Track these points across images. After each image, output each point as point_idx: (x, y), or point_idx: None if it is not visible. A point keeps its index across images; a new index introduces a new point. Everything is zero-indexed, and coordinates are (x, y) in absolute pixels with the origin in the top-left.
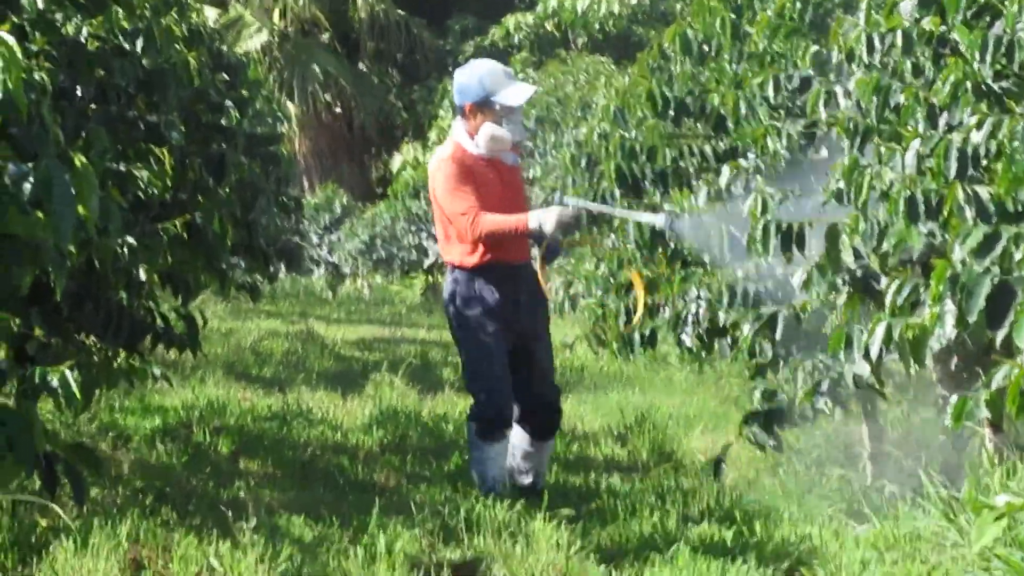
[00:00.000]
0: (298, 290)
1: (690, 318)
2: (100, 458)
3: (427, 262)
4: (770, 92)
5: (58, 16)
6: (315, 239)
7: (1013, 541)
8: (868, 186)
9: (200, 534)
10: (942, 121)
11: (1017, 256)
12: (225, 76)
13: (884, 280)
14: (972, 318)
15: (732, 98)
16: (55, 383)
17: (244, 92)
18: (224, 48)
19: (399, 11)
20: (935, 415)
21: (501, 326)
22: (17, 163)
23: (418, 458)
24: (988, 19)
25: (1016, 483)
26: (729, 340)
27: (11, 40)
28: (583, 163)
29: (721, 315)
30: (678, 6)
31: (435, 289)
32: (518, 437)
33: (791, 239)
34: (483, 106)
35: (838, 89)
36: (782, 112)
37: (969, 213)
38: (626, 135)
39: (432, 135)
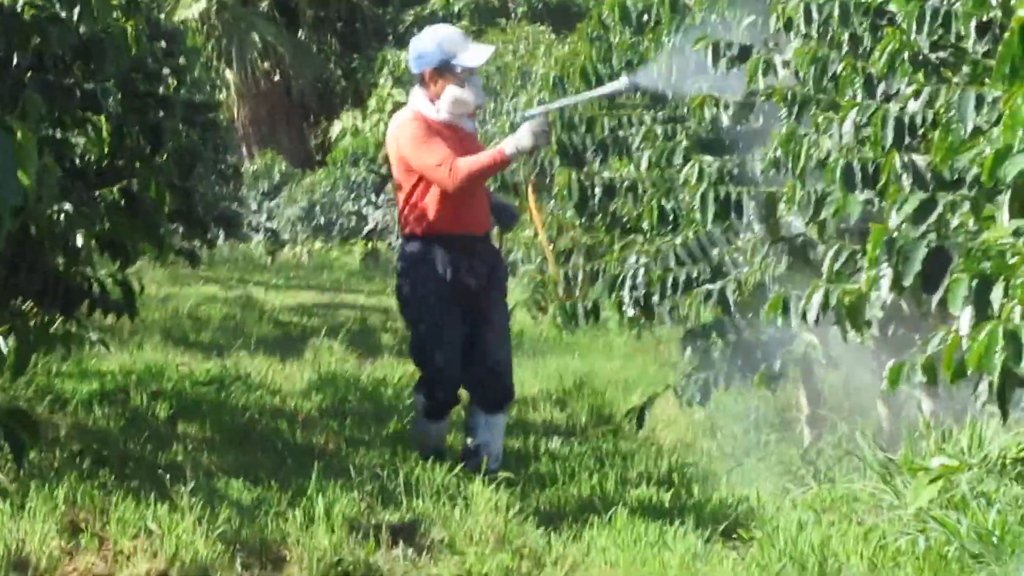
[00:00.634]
0: (237, 257)
1: (627, 284)
2: (37, 421)
3: (366, 229)
4: (709, 61)
5: None
6: (254, 206)
7: (948, 503)
8: (806, 155)
9: (138, 497)
10: (879, 91)
11: (953, 223)
12: (163, 44)
13: (821, 249)
14: (908, 282)
15: (667, 62)
16: None
17: (182, 60)
18: (162, 16)
19: None
20: (872, 380)
21: (454, 300)
22: None
23: (357, 422)
24: None
25: (951, 446)
26: (668, 307)
27: None
28: None
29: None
30: None
31: (375, 255)
32: (469, 410)
33: (729, 207)
34: (444, 70)
35: (777, 59)
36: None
37: (906, 181)
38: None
39: (371, 103)
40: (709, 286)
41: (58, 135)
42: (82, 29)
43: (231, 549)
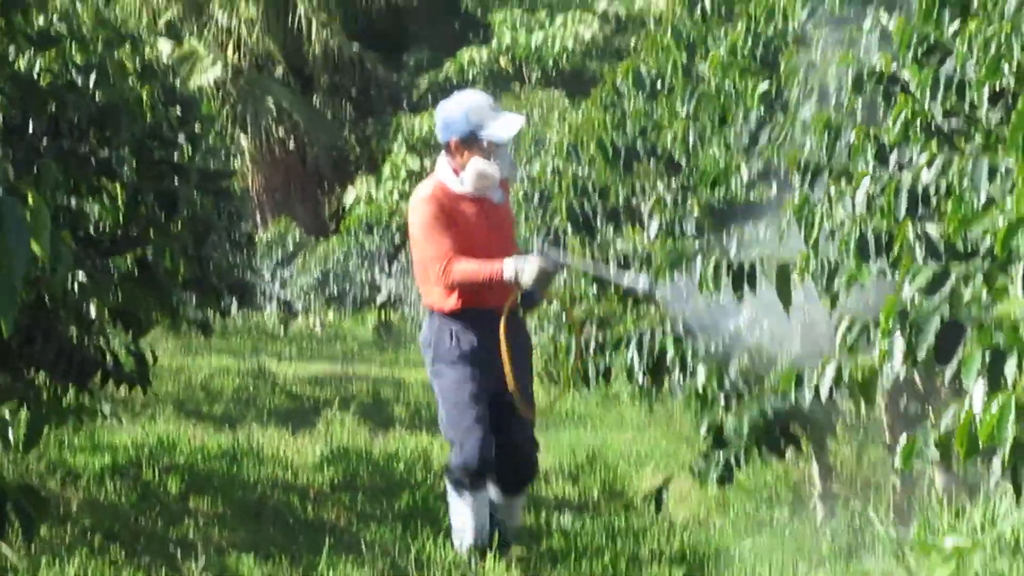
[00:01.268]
0: (250, 326)
1: (633, 351)
2: (48, 497)
3: (379, 298)
4: (731, 135)
5: (10, 50)
6: (267, 275)
7: None
8: (819, 224)
9: (149, 574)
10: (892, 159)
11: (966, 294)
12: (178, 111)
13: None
14: (922, 354)
15: (683, 128)
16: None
17: (197, 127)
18: (177, 83)
19: (353, 46)
20: (885, 455)
21: (479, 372)
22: None
23: (369, 497)
24: (939, 57)
25: (965, 525)
26: (679, 378)
27: None
28: (536, 199)
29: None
30: (632, 42)
31: (387, 326)
32: (490, 489)
33: (742, 278)
34: (470, 141)
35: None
36: (735, 150)
37: (919, 251)
38: (579, 172)
39: (386, 170)
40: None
41: (72, 203)
42: (98, 96)
43: None
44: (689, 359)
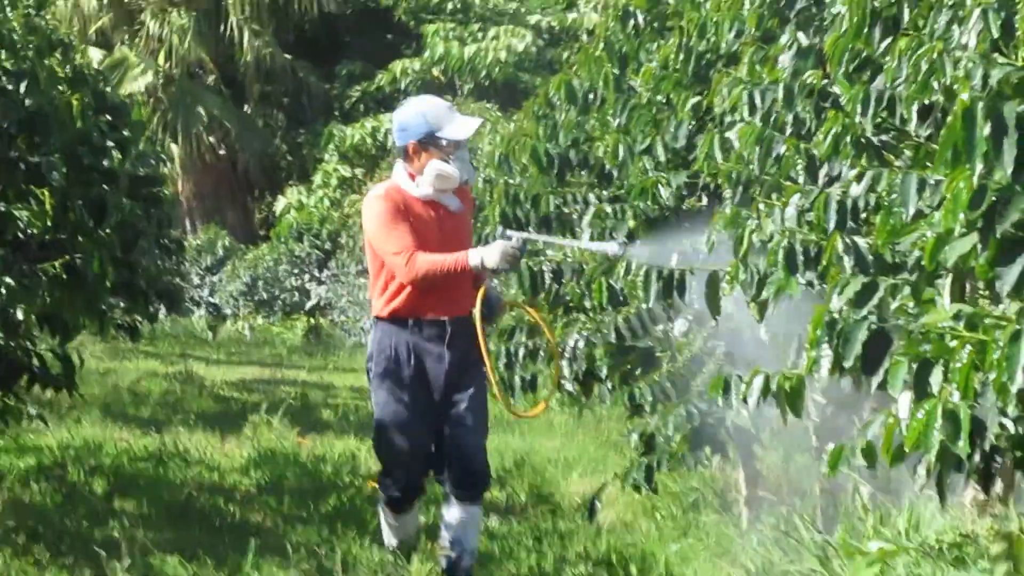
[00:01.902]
0: (178, 331)
1: (565, 361)
2: None
3: (309, 304)
4: (659, 149)
5: None
6: (196, 280)
7: None
8: (748, 237)
9: (73, 574)
10: (822, 173)
11: (893, 305)
12: (108, 118)
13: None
14: (848, 364)
15: (614, 141)
16: None
17: (127, 134)
18: (108, 90)
19: (286, 55)
20: (811, 462)
21: (422, 387)
22: None
23: (295, 499)
24: (869, 73)
25: (889, 529)
26: (608, 385)
27: None
28: None
29: (598, 359)
30: (565, 55)
31: (317, 331)
32: (444, 501)
33: (672, 286)
34: (428, 143)
35: (730, 135)
36: (665, 162)
37: (848, 264)
38: (511, 181)
39: (316, 178)
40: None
41: (1, 208)
42: (28, 102)
43: None
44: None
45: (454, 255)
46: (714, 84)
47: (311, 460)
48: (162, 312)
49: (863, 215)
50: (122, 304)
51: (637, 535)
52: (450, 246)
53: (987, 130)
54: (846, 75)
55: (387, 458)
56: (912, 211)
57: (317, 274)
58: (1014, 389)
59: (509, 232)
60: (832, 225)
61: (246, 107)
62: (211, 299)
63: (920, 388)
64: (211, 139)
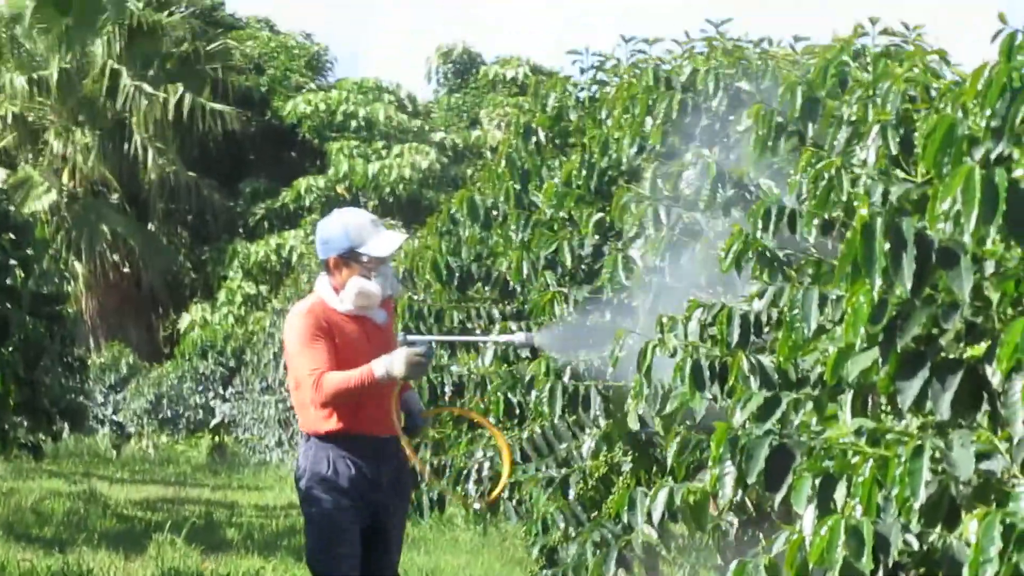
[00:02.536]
0: (82, 449)
1: (472, 478)
2: None
3: (213, 421)
4: (567, 257)
5: None
6: (100, 398)
7: None
8: (651, 353)
9: None
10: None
11: (796, 420)
12: (12, 236)
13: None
14: (751, 479)
15: (517, 258)
16: None
17: (30, 252)
18: (11, 208)
19: (190, 173)
20: None
21: (355, 503)
22: None
23: None
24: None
25: None
26: (515, 502)
27: None
28: None
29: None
30: (468, 171)
31: (221, 449)
32: None
33: (577, 401)
34: (349, 258)
35: (633, 252)
36: (568, 277)
37: (754, 382)
38: (415, 297)
39: (221, 295)
40: (553, 474)
41: None
42: None
43: None
44: (524, 484)
45: (359, 370)
46: (615, 200)
47: None
48: (65, 431)
49: (765, 329)
50: (25, 423)
51: None
52: (378, 357)
53: (886, 245)
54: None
55: (327, 562)
56: (814, 326)
57: (222, 391)
58: (916, 505)
59: (411, 337)
60: (735, 339)
61: (150, 225)
62: (115, 417)
63: (824, 504)
64: (115, 257)
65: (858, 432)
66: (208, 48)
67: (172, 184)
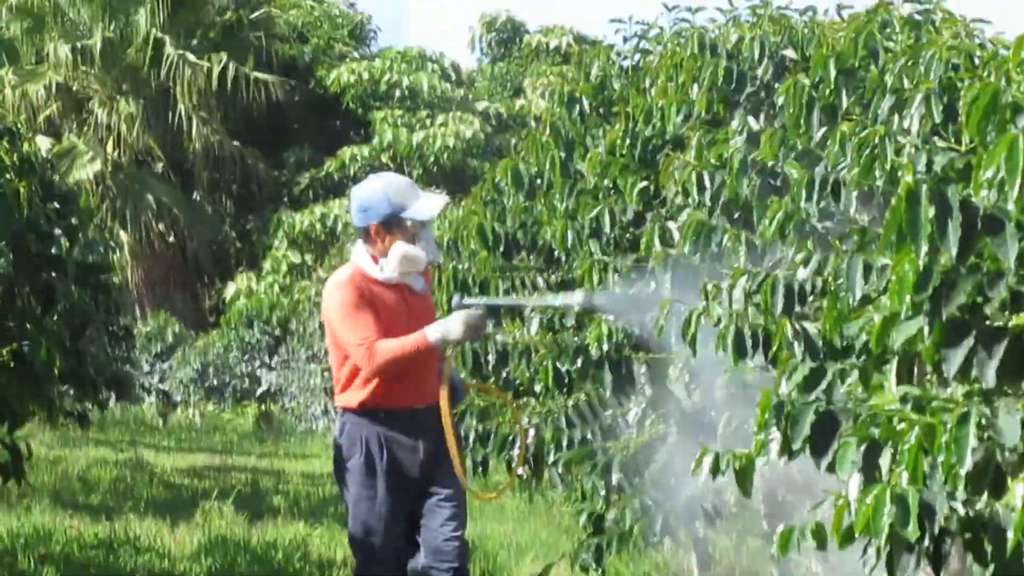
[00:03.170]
0: (128, 418)
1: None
2: None
3: (259, 390)
4: (606, 226)
5: None
6: (146, 367)
7: None
8: (696, 322)
9: None
10: (766, 260)
11: (841, 389)
12: (56, 205)
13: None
14: (796, 446)
15: (561, 226)
16: None
17: (75, 221)
18: (56, 177)
19: (234, 142)
20: (762, 544)
21: (394, 478)
22: None
23: None
24: (810, 160)
25: None
26: (559, 471)
27: None
28: None
29: (551, 455)
30: (512, 140)
31: (268, 417)
32: None
33: (620, 371)
34: (392, 224)
35: (671, 224)
36: (612, 245)
37: (798, 348)
38: (459, 266)
39: (266, 265)
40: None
41: None
42: None
43: None
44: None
45: (414, 336)
46: (663, 167)
47: (262, 547)
48: (112, 400)
49: (810, 298)
50: (71, 392)
51: None
52: (417, 326)
53: (931, 212)
54: (796, 157)
55: (363, 554)
56: (859, 295)
57: (267, 360)
58: (962, 472)
59: (467, 300)
60: (779, 308)
61: (195, 194)
62: (161, 386)
63: (869, 470)
64: (160, 226)
65: (904, 399)
66: (251, 17)
67: (216, 153)
